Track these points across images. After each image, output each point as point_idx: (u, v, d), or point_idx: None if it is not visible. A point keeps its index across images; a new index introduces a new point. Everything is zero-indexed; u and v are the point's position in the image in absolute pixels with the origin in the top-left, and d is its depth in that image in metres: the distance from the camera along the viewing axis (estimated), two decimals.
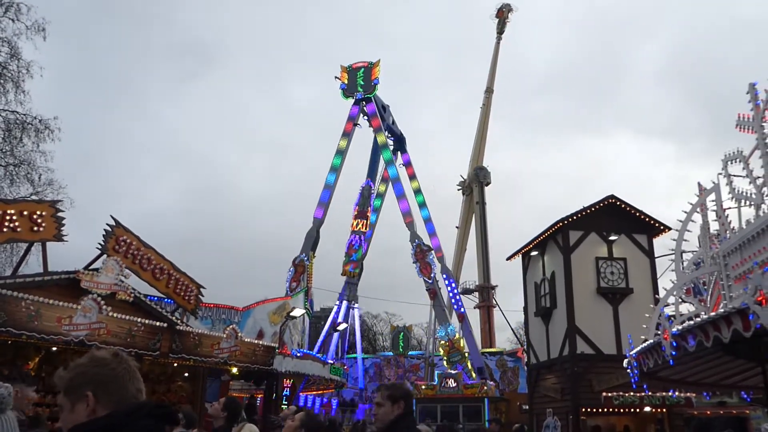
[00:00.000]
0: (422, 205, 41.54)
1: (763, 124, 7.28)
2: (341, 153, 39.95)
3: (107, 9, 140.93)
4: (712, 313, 6.50)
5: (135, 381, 2.01)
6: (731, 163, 7.79)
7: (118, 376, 1.98)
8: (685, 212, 8.54)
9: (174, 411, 2.05)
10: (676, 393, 13.45)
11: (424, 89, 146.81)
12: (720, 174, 7.96)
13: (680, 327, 7.15)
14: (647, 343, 8.47)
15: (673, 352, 7.25)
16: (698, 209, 8.44)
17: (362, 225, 40.26)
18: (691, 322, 6.88)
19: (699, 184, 8.54)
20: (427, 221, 40.82)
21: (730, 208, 7.94)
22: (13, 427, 4.09)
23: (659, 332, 7.73)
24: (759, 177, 7.28)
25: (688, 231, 8.59)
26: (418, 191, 42.25)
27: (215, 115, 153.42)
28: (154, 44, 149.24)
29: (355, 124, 41.07)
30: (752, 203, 7.38)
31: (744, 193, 7.58)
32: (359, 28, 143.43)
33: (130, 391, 1.98)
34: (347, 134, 40.39)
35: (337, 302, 41.60)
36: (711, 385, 10.14)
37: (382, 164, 42.52)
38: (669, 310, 8.27)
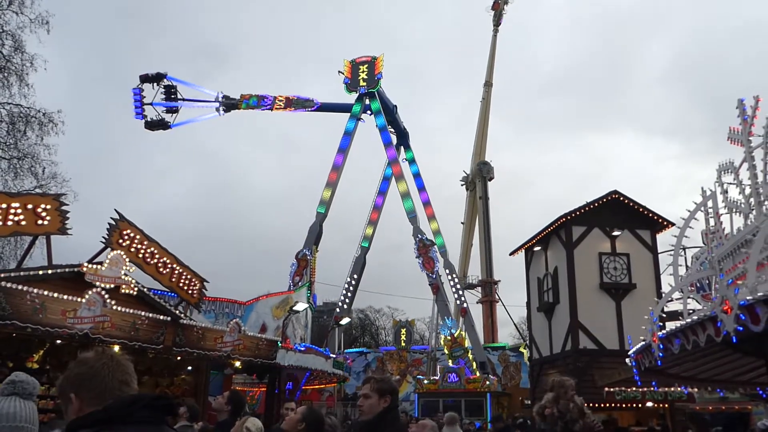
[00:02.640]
0: (436, 232, 41.13)
1: (750, 138, 7.59)
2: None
3: (128, 14, 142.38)
4: (688, 320, 6.84)
5: (118, 373, 2.04)
6: (724, 173, 8.20)
7: (96, 372, 2.01)
8: (683, 219, 8.77)
9: (172, 402, 2.07)
10: (688, 389, 13.62)
11: (435, 89, 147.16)
12: (716, 182, 8.34)
13: (666, 330, 7.53)
14: (641, 344, 8.79)
15: (661, 354, 7.64)
16: (696, 216, 8.63)
17: (282, 101, 41.61)
18: (674, 327, 7.31)
19: (702, 188, 8.70)
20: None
21: (724, 214, 8.30)
22: (34, 414, 4.44)
23: (649, 334, 8.14)
24: (747, 186, 7.65)
25: (687, 237, 8.81)
26: (421, 188, 42.22)
27: (227, 114, 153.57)
28: (171, 46, 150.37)
29: (358, 119, 40.99)
30: (741, 212, 7.75)
31: (736, 202, 7.94)
32: (371, 29, 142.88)
33: (110, 383, 2.01)
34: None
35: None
36: (724, 381, 10.24)
37: (385, 161, 42.43)
38: (677, 307, 8.48)
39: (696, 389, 16.26)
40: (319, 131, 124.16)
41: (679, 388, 15.49)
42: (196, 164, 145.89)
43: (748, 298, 5.58)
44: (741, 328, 5.64)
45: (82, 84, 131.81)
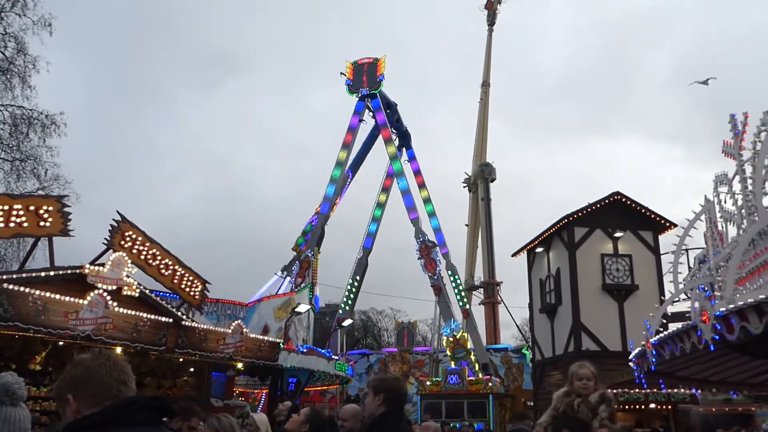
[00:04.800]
0: (427, 200, 41.55)
1: (741, 152, 7.73)
2: (347, 147, 40.05)
3: (143, 24, 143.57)
4: (674, 328, 7.21)
5: (115, 373, 2.02)
6: (720, 185, 8.33)
7: (93, 372, 2.00)
8: (683, 228, 8.88)
9: (170, 403, 2.06)
10: (699, 391, 13.64)
11: (441, 93, 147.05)
12: (713, 192, 8.48)
13: (657, 337, 7.85)
14: (638, 349, 8.96)
15: (654, 359, 7.97)
16: (700, 218, 8.69)
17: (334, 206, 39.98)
18: (663, 335, 7.66)
19: (705, 197, 8.77)
20: (432, 216, 40.79)
21: (721, 223, 8.42)
22: (23, 420, 4.21)
23: (644, 341, 8.42)
24: (740, 197, 7.76)
25: (686, 245, 8.89)
26: (422, 186, 42.22)
27: (236, 120, 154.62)
28: (182, 54, 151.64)
29: (361, 120, 41.02)
30: (735, 223, 7.92)
31: (731, 213, 8.08)
32: (379, 37, 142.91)
33: (108, 383, 1.99)
34: (353, 128, 40.46)
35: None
36: (737, 383, 10.25)
37: (387, 161, 42.45)
38: (682, 308, 8.56)
39: (700, 390, 16.22)
40: (325, 136, 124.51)
41: (689, 390, 15.47)
42: (206, 169, 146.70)
43: (722, 309, 5.95)
44: (717, 337, 6.04)
45: (96, 90, 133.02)
